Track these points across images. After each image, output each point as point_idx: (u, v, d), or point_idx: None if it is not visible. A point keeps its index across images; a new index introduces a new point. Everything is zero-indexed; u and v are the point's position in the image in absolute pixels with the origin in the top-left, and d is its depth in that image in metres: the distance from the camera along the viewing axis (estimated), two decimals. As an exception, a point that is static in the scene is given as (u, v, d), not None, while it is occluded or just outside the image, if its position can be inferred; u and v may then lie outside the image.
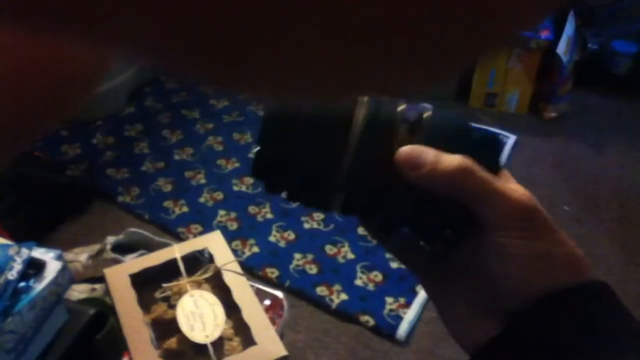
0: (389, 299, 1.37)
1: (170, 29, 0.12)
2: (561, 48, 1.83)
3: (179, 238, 1.54)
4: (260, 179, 0.34)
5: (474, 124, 0.34)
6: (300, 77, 0.13)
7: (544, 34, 1.87)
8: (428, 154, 0.31)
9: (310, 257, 1.48)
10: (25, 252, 0.88)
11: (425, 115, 0.33)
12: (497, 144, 0.34)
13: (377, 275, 1.42)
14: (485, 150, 0.33)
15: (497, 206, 0.30)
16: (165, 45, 0.12)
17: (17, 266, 0.86)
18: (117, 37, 0.12)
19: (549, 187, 1.73)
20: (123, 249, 1.33)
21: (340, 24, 0.11)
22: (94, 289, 1.17)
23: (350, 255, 1.48)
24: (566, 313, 0.29)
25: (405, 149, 0.31)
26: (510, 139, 1.89)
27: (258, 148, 0.33)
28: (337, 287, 1.40)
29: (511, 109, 2.03)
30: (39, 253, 0.92)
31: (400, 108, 0.33)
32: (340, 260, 1.47)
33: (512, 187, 0.30)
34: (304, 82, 0.14)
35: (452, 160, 0.30)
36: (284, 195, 0.34)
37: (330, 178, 0.32)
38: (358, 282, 1.42)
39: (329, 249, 1.50)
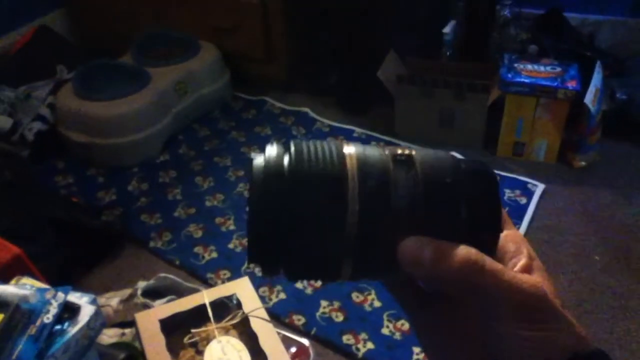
0: (416, 349, 1.36)
1: None
2: (589, 98, 1.83)
3: (208, 284, 1.56)
4: (257, 262, 0.31)
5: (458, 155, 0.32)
6: None
7: (571, 85, 1.88)
8: (428, 249, 0.28)
9: (336, 304, 1.48)
10: (61, 296, 0.91)
11: (414, 152, 0.31)
12: (491, 177, 0.31)
13: (404, 324, 1.42)
14: (480, 187, 0.31)
15: (506, 301, 0.28)
16: None
17: (53, 310, 0.88)
18: None
19: (579, 237, 1.71)
20: (153, 293, 1.36)
21: None
22: (123, 334, 1.20)
23: (377, 303, 1.48)
24: None
25: (405, 245, 0.29)
26: (539, 188, 1.89)
27: (250, 226, 0.30)
28: (363, 335, 1.40)
29: (539, 158, 2.03)
30: (73, 297, 0.94)
31: (388, 150, 0.31)
32: (367, 308, 1.47)
33: (522, 278, 0.29)
34: None
35: (454, 256, 0.28)
36: (283, 275, 0.31)
37: (338, 247, 0.29)
38: (385, 330, 1.41)
39: (356, 297, 1.50)
